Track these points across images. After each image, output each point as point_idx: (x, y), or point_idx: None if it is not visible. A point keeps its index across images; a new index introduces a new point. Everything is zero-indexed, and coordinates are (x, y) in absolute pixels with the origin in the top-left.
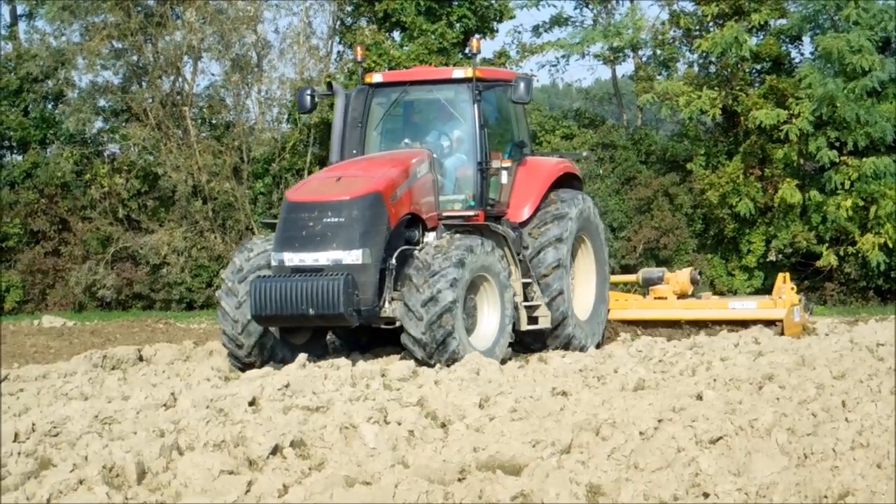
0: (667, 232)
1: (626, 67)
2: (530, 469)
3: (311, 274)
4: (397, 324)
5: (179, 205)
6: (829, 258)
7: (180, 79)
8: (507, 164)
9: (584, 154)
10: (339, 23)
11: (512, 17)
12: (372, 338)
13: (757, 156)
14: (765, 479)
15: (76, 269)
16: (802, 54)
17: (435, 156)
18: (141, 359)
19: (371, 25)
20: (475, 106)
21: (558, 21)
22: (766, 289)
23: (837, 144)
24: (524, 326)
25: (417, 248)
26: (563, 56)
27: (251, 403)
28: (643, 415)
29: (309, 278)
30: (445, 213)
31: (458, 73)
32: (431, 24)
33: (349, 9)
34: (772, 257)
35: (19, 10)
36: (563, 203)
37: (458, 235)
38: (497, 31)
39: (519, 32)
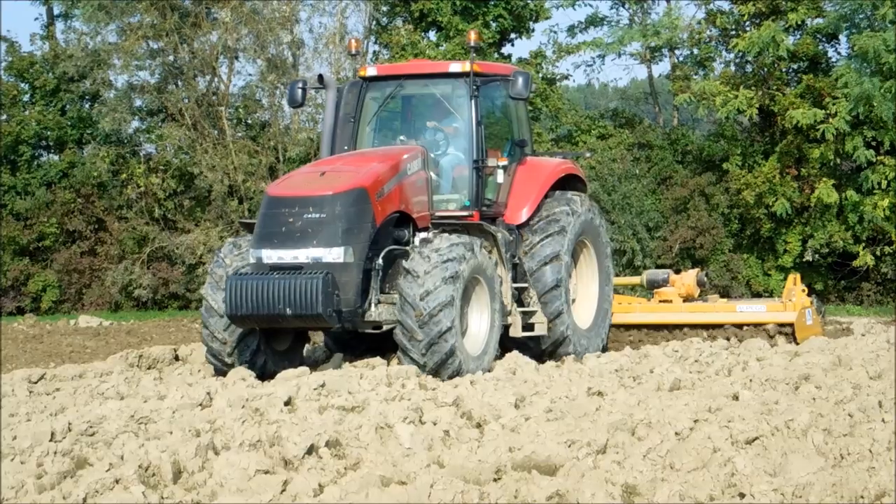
0: (703, 232)
1: (662, 67)
2: (566, 469)
3: (290, 272)
4: (384, 328)
5: (215, 205)
6: (865, 258)
7: (216, 79)
8: (504, 162)
9: (588, 154)
10: (374, 23)
11: (548, 17)
12: (364, 342)
13: (793, 155)
14: (801, 479)
15: (112, 268)
16: (839, 53)
17: (431, 153)
18: (177, 358)
19: (407, 25)
20: (472, 101)
21: (594, 21)
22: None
23: (874, 144)
24: (519, 333)
25: (406, 248)
26: (598, 56)
27: (287, 403)
28: (679, 415)
29: (287, 276)
30: (439, 213)
31: (455, 66)
32: (467, 23)
33: (385, 9)
34: (808, 257)
35: (56, 10)
36: (563, 209)
37: (447, 236)
38: (533, 30)
39: (555, 32)
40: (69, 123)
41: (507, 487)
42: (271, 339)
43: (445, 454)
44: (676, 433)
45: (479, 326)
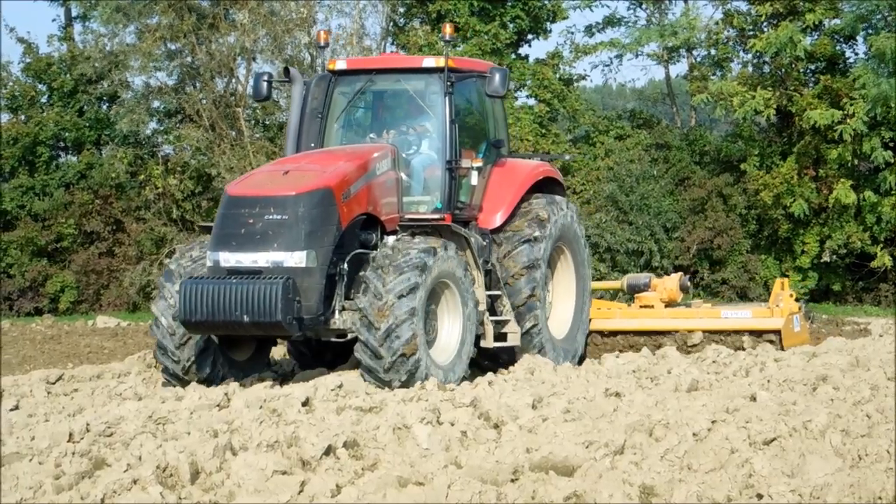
0: (721, 232)
1: (679, 68)
2: (583, 470)
3: (248, 277)
4: (349, 336)
5: None
6: (883, 259)
7: (234, 80)
8: (479, 163)
9: (568, 157)
10: (391, 24)
11: (565, 18)
12: (329, 352)
13: (811, 156)
14: (819, 480)
15: (130, 269)
16: (857, 54)
17: (403, 153)
18: None
19: (424, 26)
20: (446, 98)
21: (611, 21)
22: (819, 290)
23: (892, 145)
24: (491, 343)
25: (374, 252)
26: (616, 56)
27: (304, 404)
28: (697, 416)
29: (244, 281)
30: (408, 216)
31: (429, 61)
32: (485, 24)
33: (402, 10)
34: (826, 258)
35: (73, 11)
36: (539, 214)
37: (416, 238)
38: (550, 31)
39: (572, 33)
40: (87, 125)
41: (525, 488)
42: (230, 348)
43: (463, 455)
44: (694, 434)
45: (450, 334)
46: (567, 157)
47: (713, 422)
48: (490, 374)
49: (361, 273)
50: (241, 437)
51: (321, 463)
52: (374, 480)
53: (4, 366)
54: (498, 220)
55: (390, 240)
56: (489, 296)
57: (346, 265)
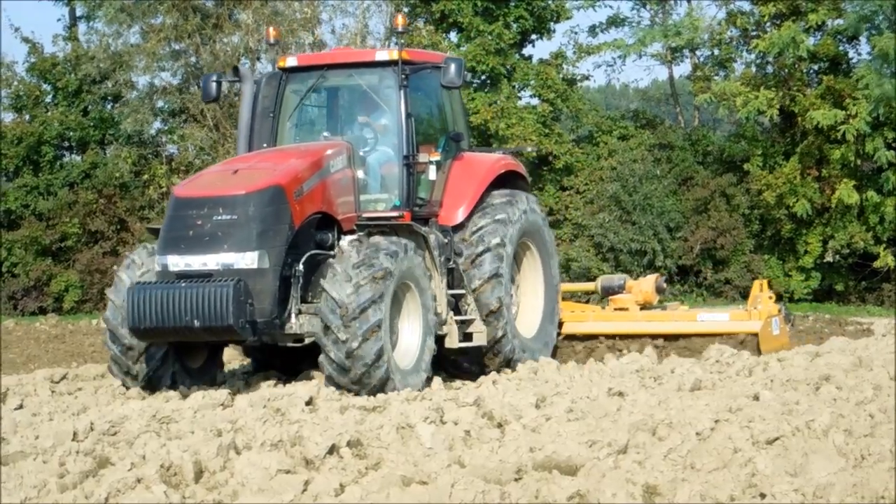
0: (724, 232)
1: (683, 68)
2: (587, 469)
3: (198, 280)
4: (307, 341)
5: None
6: (886, 259)
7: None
8: (437, 157)
9: (529, 148)
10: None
11: (569, 18)
12: (287, 358)
13: (814, 156)
14: (822, 479)
15: None
16: (860, 54)
17: (359, 150)
18: None
19: (428, 26)
20: (401, 92)
21: (615, 21)
22: (822, 290)
23: (895, 145)
24: (456, 343)
25: (331, 252)
26: (619, 56)
27: (308, 403)
28: (700, 415)
29: (194, 285)
30: (366, 215)
31: (382, 54)
32: (488, 24)
33: (406, 10)
34: (829, 258)
35: (78, 11)
36: (504, 205)
37: (377, 238)
38: (554, 31)
39: (576, 33)
40: (91, 124)
41: (528, 487)
42: (182, 354)
43: (466, 454)
44: (697, 433)
45: (411, 337)
46: (528, 148)
47: (716, 421)
48: (493, 374)
49: (323, 280)
50: (245, 436)
51: (325, 462)
52: (378, 479)
53: (10, 365)
54: (460, 216)
55: (346, 240)
56: (453, 295)
57: (301, 266)
